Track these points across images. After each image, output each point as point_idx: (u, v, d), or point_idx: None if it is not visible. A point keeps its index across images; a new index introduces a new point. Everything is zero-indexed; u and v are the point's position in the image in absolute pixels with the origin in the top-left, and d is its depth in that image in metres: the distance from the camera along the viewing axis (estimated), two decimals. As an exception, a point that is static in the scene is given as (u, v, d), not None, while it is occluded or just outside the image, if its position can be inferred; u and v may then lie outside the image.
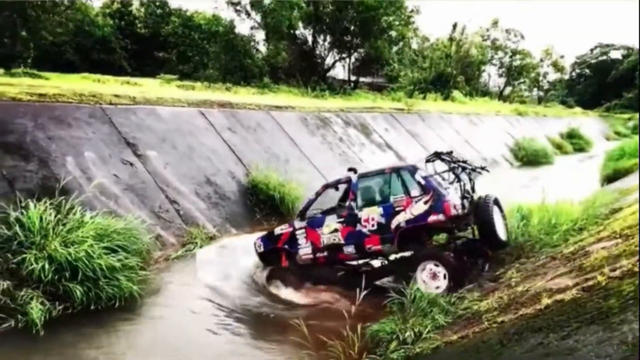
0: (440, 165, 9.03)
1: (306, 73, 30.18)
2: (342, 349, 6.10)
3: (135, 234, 8.80)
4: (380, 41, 30.89)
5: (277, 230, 9.57)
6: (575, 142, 38.41)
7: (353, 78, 35.49)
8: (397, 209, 8.49)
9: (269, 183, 12.73)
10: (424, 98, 35.63)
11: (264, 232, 10.05)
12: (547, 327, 4.19)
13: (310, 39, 31.79)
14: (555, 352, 3.64)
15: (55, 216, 8.20)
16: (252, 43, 28.77)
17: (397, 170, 8.76)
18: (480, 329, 5.32)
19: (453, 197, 8.32)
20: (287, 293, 9.10)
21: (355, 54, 33.75)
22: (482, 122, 31.10)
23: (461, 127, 28.21)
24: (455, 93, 41.56)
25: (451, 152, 9.53)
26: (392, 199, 8.59)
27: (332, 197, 9.68)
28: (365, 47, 31.87)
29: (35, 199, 8.45)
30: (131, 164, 11.22)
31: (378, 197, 8.90)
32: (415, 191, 8.41)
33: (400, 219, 8.43)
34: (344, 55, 33.10)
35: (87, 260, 7.55)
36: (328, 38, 31.44)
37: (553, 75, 66.91)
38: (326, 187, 9.60)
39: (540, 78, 65.31)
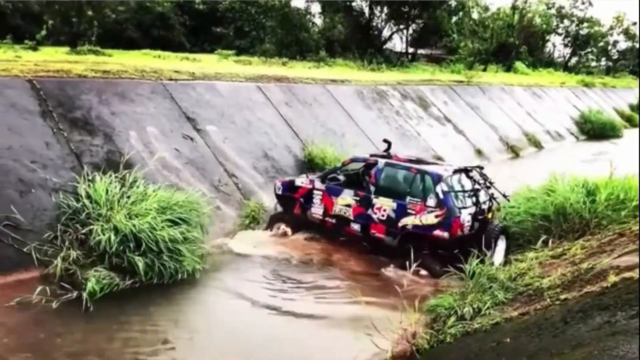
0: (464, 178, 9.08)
1: (362, 46, 29.84)
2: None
3: (196, 207, 8.96)
4: (439, 11, 30.13)
5: (298, 182, 10.13)
6: (647, 114, 36.44)
7: (411, 50, 34.86)
8: (409, 211, 8.77)
9: (325, 157, 12.72)
10: (485, 70, 34.60)
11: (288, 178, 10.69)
12: (614, 305, 4.03)
13: (367, 10, 31.32)
14: (622, 331, 3.49)
15: (120, 189, 8.49)
16: (308, 16, 28.66)
17: (422, 174, 8.82)
18: (542, 306, 5.19)
19: (464, 219, 8.48)
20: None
21: (413, 25, 33.08)
22: (546, 94, 29.92)
23: (524, 99, 27.25)
24: (518, 64, 40.11)
25: (482, 167, 9.56)
26: (408, 199, 8.82)
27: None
28: (423, 17, 31.18)
29: (101, 172, 8.77)
30: (191, 139, 11.45)
31: (396, 191, 9.05)
32: (431, 201, 8.57)
33: (408, 221, 8.75)
34: (401, 26, 32.48)
35: (150, 232, 7.77)
36: (385, 9, 30.87)
37: (624, 44, 63.33)
38: (353, 160, 9.96)
39: (610, 47, 61.96)
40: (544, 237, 8.42)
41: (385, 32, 32.23)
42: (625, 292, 4.26)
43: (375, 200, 9.10)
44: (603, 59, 63.86)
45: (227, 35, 31.12)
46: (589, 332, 3.82)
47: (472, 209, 8.72)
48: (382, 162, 9.31)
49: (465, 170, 9.13)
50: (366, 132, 15.89)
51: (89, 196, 8.29)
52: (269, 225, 10.42)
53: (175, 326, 6.89)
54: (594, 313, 4.14)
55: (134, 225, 7.70)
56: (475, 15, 40.25)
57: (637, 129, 31.52)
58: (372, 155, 10.00)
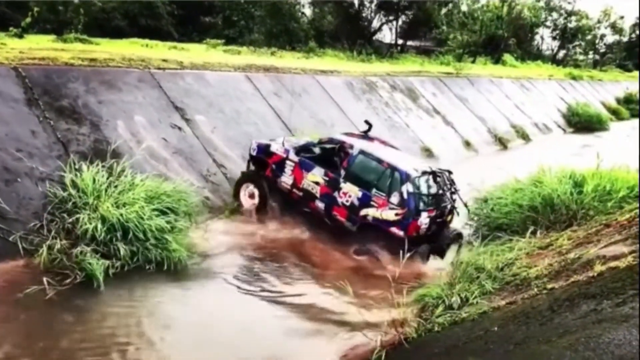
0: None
1: (352, 36, 29.74)
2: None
3: (184, 197, 8.95)
4: (428, 3, 30.02)
5: (273, 147, 10.22)
6: (632, 107, 36.73)
7: (400, 41, 34.77)
8: (372, 202, 8.98)
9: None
10: (474, 62, 34.64)
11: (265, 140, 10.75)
12: (601, 294, 4.08)
13: (356, 1, 31.15)
14: (609, 319, 3.53)
15: (107, 178, 8.42)
16: (298, 6, 28.50)
17: (392, 170, 8.96)
18: (529, 295, 5.23)
19: (422, 221, 8.78)
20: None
21: (403, 16, 32.96)
22: (534, 87, 30.07)
23: (512, 91, 27.36)
24: (506, 56, 40.19)
25: (451, 172, 9.67)
26: (373, 191, 9.02)
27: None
28: (413, 9, 31.07)
29: (88, 161, 8.69)
30: (179, 128, 11.38)
31: (364, 180, 9.21)
32: (394, 199, 8.80)
33: (370, 212, 8.99)
34: (391, 17, 32.37)
35: (137, 221, 7.74)
36: (375, 0, 30.75)
37: (611, 38, 63.67)
38: (331, 140, 9.90)
39: (597, 40, 62.27)
40: (531, 228, 8.48)
41: (375, 23, 32.11)
42: (611, 281, 4.30)
43: (342, 185, 9.30)
44: (590, 52, 64.17)
45: (216, 24, 30.85)
46: (575, 320, 3.86)
47: (433, 213, 8.98)
48: (357, 149, 9.40)
49: (434, 173, 9.25)
50: (355, 123, 15.86)
51: (75, 185, 8.21)
52: (238, 184, 10.52)
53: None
54: (581, 301, 4.18)
55: (121, 215, 7.66)
56: (464, 8, 40.23)
57: (623, 122, 31.84)
58: (349, 134, 10.20)
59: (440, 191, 9.16)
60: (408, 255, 6.62)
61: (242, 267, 8.61)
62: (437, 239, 9.15)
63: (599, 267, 4.87)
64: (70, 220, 7.76)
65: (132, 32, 24.81)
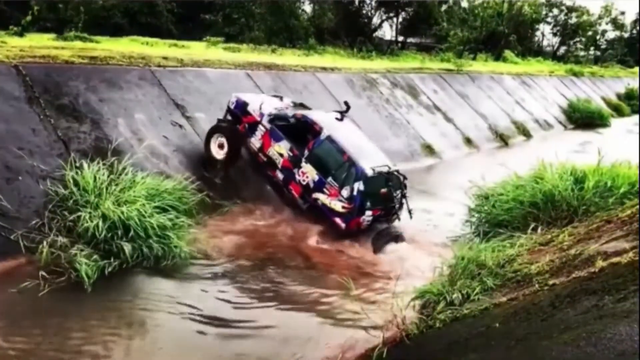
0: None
1: (352, 34, 29.70)
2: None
3: (185, 194, 8.97)
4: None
5: (250, 108, 10.54)
6: (633, 103, 36.68)
7: (400, 38, 34.76)
8: (325, 190, 9.37)
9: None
10: (474, 58, 34.59)
11: (246, 95, 11.17)
12: (602, 290, 4.07)
13: (356, -2, 31.15)
14: (610, 314, 3.53)
15: (108, 176, 8.42)
16: (298, 4, 28.43)
17: (350, 165, 9.26)
18: (531, 291, 5.22)
19: (365, 219, 9.28)
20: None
21: (403, 13, 32.94)
22: (534, 83, 30.02)
23: (513, 88, 27.32)
24: (507, 53, 40.13)
25: (405, 177, 9.92)
26: (329, 179, 9.38)
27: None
28: (413, 5, 31.03)
29: (89, 159, 8.69)
30: (180, 126, 11.38)
31: (323, 166, 9.55)
32: (345, 192, 9.16)
33: (320, 197, 9.45)
34: (391, 14, 32.37)
35: (138, 219, 7.74)
36: (375, -3, 30.74)
37: (612, 34, 63.62)
38: (304, 118, 10.01)
39: (598, 36, 62.22)
40: (532, 224, 8.46)
41: (375, 20, 32.14)
42: (613, 276, 4.30)
43: (303, 165, 9.67)
44: (591, 48, 64.11)
45: (216, 22, 30.84)
46: (577, 315, 3.85)
47: (377, 212, 9.38)
48: (325, 134, 9.60)
49: (389, 175, 9.49)
50: (356, 120, 15.84)
51: (76, 183, 8.21)
52: (209, 134, 10.74)
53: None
54: (582, 297, 4.17)
55: (122, 212, 7.65)
56: (464, 4, 40.19)
57: (624, 119, 31.80)
58: (328, 112, 10.60)
59: (389, 193, 9.41)
60: None
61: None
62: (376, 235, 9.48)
63: (600, 263, 4.85)
64: (72, 218, 7.77)
65: (132, 30, 24.86)
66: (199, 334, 6.52)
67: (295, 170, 9.74)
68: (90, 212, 7.69)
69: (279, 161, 9.98)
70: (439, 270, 6.87)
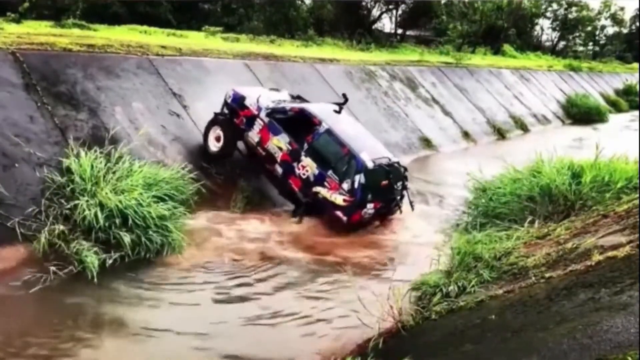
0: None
1: (352, 25, 29.61)
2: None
3: (183, 184, 8.94)
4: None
5: (247, 101, 10.44)
6: (631, 99, 36.72)
7: (400, 31, 34.65)
8: (325, 184, 9.30)
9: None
10: (473, 52, 34.55)
11: (244, 88, 11.04)
12: (599, 283, 4.09)
13: (356, -10, 31.02)
14: (606, 307, 3.55)
15: (106, 164, 8.37)
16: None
17: (351, 157, 9.22)
18: (527, 284, 5.24)
19: (367, 212, 9.28)
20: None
21: (403, 5, 32.85)
22: (533, 78, 30.01)
23: (511, 82, 27.31)
24: (506, 47, 40.08)
25: (406, 169, 10.12)
26: (329, 172, 9.32)
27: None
28: (412, -2, 30.93)
29: (86, 147, 8.65)
30: (178, 115, 11.34)
31: (323, 159, 9.49)
32: (346, 185, 9.12)
33: (321, 191, 9.35)
34: (390, 7, 32.28)
35: (136, 208, 7.72)
36: (375, -11, 30.63)
37: (611, 29, 63.55)
38: (302, 111, 9.98)
39: (597, 32, 62.15)
40: (529, 218, 8.48)
41: (375, 12, 32.04)
42: (609, 270, 4.31)
43: (303, 158, 9.60)
44: (590, 43, 64.05)
45: (215, 12, 30.71)
46: (573, 308, 3.87)
47: (378, 205, 9.38)
48: (324, 127, 9.54)
49: (389, 166, 9.54)
50: (354, 112, 15.82)
51: (73, 171, 8.17)
52: (208, 126, 10.74)
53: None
54: (578, 290, 4.19)
55: (120, 201, 7.62)
56: (464, -3, 40.08)
57: (622, 114, 31.83)
58: (327, 104, 10.51)
59: (390, 185, 9.45)
60: None
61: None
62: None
63: (597, 257, 4.87)
64: (69, 206, 7.74)
65: (131, 19, 24.65)
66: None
67: (295, 164, 9.66)
68: (87, 201, 7.66)
69: (278, 155, 9.88)
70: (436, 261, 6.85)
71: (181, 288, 7.23)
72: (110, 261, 7.31)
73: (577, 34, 58.47)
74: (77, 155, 8.40)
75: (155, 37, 16.80)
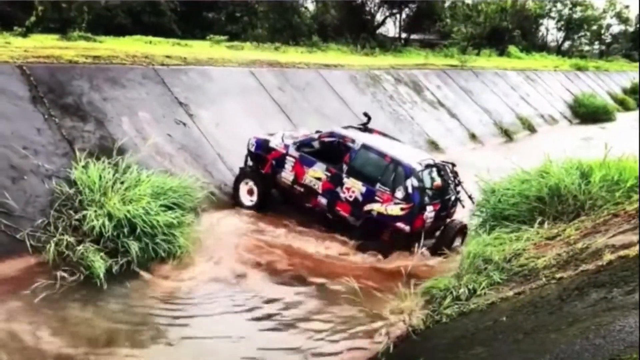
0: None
1: (355, 30, 29.61)
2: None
3: (190, 192, 8.96)
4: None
5: (272, 143, 10.08)
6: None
7: (404, 35, 34.63)
8: (377, 197, 8.89)
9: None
10: (478, 54, 34.48)
11: (263, 135, 10.61)
12: (610, 282, 4.04)
13: (359, -5, 31.06)
14: (619, 307, 3.50)
15: (113, 175, 8.42)
16: (301, 1, 28.37)
17: (396, 164, 8.90)
18: (538, 285, 5.19)
19: (427, 215, 8.82)
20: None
21: (406, 9, 32.85)
22: (539, 78, 29.91)
23: (517, 83, 27.23)
24: (511, 48, 39.99)
25: (454, 164, 9.69)
26: (377, 186, 8.93)
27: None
28: (416, 2, 30.92)
29: (94, 158, 8.69)
30: (184, 124, 11.38)
31: (367, 175, 9.12)
32: (399, 194, 8.72)
33: (374, 207, 8.90)
34: (394, 11, 32.28)
35: (144, 217, 7.75)
36: (378, -7, 30.67)
37: (616, 28, 63.20)
38: (331, 135, 9.74)
39: (603, 31, 61.82)
40: (539, 218, 8.42)
41: (379, 17, 32.02)
42: (621, 269, 4.27)
43: (345, 180, 9.21)
44: (596, 42, 63.71)
45: (219, 20, 30.80)
46: (585, 308, 3.83)
47: (437, 206, 9.00)
48: (358, 143, 9.30)
49: (438, 166, 9.27)
50: (360, 117, 15.80)
51: (81, 182, 8.22)
52: (237, 180, 10.42)
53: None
54: (590, 290, 4.15)
55: (128, 211, 7.66)
56: (468, 0, 40.05)
57: (630, 113, 31.61)
58: (349, 127, 10.10)
59: (444, 184, 9.15)
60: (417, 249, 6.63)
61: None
62: (442, 232, 9.20)
63: (608, 256, 4.82)
64: (77, 217, 7.78)
65: (136, 30, 24.79)
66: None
67: (339, 189, 9.23)
68: (95, 211, 7.69)
69: (318, 186, 9.45)
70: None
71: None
72: (117, 267, 7.35)
73: (583, 34, 58.17)
74: (85, 167, 8.44)
75: (160, 47, 16.88)
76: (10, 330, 6.08)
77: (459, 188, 9.43)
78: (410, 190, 8.63)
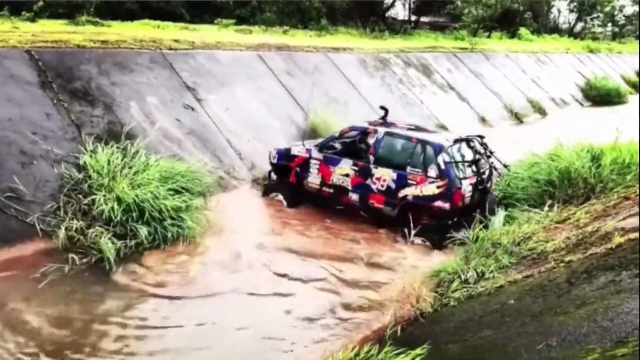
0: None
1: (365, 13, 29.34)
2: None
3: (198, 176, 8.99)
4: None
5: (294, 150, 9.97)
6: (653, 79, 35.95)
7: (413, 18, 34.27)
8: (410, 181, 8.71)
9: (327, 127, 12.60)
10: (489, 37, 34.10)
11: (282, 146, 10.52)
12: (619, 265, 4.01)
13: (369, -23, 30.70)
14: (627, 289, 3.48)
15: (122, 159, 8.47)
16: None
17: (423, 144, 8.76)
18: (546, 268, 5.18)
19: (465, 189, 8.52)
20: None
21: (416, -8, 32.48)
22: (550, 61, 29.52)
23: (528, 66, 26.88)
24: (522, 30, 39.44)
25: (483, 136, 9.49)
26: (408, 169, 8.76)
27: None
28: (426, -16, 30.54)
29: (103, 142, 8.74)
30: (192, 109, 11.37)
31: (396, 161, 8.97)
32: (432, 172, 8.54)
33: (408, 192, 8.71)
34: (404, -7, 31.91)
35: (153, 201, 7.80)
36: (387, -24, 30.33)
37: (630, 9, 62.15)
38: (352, 129, 9.72)
39: (616, 12, 60.83)
40: (549, 202, 8.37)
41: (388, 0, 31.68)
42: (631, 252, 4.23)
43: (374, 171, 9.04)
44: (609, 24, 62.72)
45: (227, 5, 30.61)
46: (593, 291, 3.81)
47: (473, 179, 8.77)
48: (381, 131, 9.21)
49: (466, 140, 9.10)
50: (369, 101, 15.74)
51: (91, 167, 8.28)
52: (264, 195, 10.34)
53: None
54: (599, 273, 4.12)
55: (136, 195, 7.72)
56: (479, -19, 39.47)
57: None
58: (370, 123, 9.91)
59: (476, 156, 9.01)
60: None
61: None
62: (482, 207, 8.85)
63: (617, 239, 4.79)
64: (86, 201, 7.84)
65: (144, 15, 24.68)
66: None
67: (369, 181, 9.06)
68: (104, 195, 7.76)
69: (347, 182, 9.27)
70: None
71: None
72: (127, 250, 7.45)
73: (596, 15, 57.28)
74: (94, 151, 8.49)
75: (168, 31, 16.83)
76: (18, 311, 6.16)
77: (491, 159, 9.33)
78: (442, 166, 8.47)
